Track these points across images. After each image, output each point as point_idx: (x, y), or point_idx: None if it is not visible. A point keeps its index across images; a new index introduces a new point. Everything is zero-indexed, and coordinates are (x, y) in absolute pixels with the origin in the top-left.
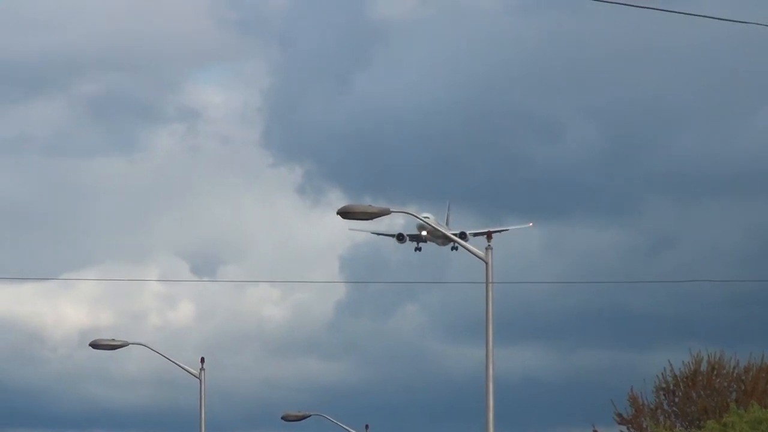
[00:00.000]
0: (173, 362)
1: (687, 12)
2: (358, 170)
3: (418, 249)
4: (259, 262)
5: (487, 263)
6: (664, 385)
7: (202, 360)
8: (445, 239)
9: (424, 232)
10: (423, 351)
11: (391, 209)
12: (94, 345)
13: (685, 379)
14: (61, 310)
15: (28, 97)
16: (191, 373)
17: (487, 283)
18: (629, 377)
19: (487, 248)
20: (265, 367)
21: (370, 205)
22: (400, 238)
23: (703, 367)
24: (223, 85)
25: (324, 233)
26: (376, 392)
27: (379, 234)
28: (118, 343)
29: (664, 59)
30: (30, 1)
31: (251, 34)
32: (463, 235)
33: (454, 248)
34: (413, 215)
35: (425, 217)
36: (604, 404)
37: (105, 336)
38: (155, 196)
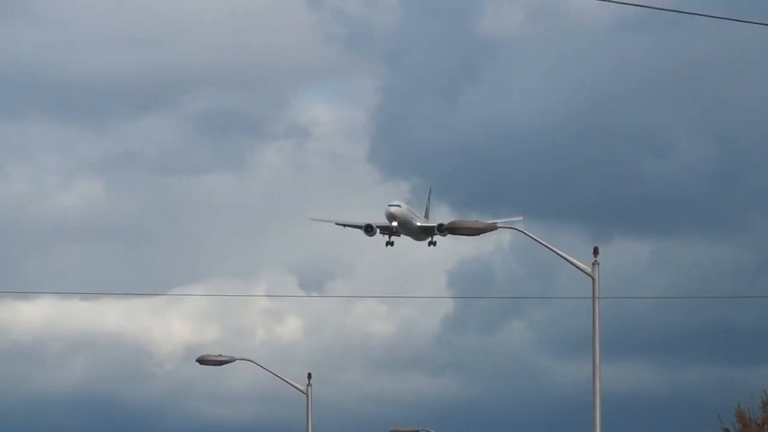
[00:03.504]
0: (280, 378)
1: None
2: (466, 186)
3: (389, 243)
4: (367, 278)
5: (593, 279)
6: None
7: (309, 376)
8: (421, 233)
9: (394, 223)
10: (529, 366)
11: (498, 225)
12: (201, 361)
13: None
14: (169, 326)
15: (138, 114)
16: (298, 389)
17: (593, 298)
18: (736, 393)
19: (594, 263)
20: (372, 383)
21: (476, 221)
22: (369, 230)
23: None
24: (331, 102)
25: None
26: (483, 408)
27: (345, 225)
28: (225, 358)
29: None
30: (138, 18)
31: (359, 50)
32: (441, 227)
33: (431, 243)
34: (521, 231)
35: (395, 205)
36: (710, 420)
37: (211, 351)
38: (263, 212)
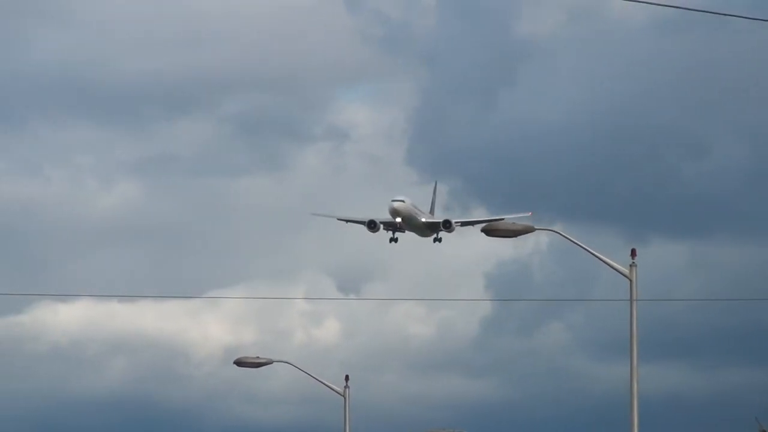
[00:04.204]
0: (317, 380)
1: None
2: (503, 187)
3: (393, 240)
4: (404, 280)
5: (631, 280)
6: None
7: (347, 378)
8: (426, 229)
9: (398, 219)
10: (566, 368)
11: (535, 227)
12: (239, 363)
13: None
14: (207, 328)
15: (175, 116)
16: (336, 391)
17: (631, 300)
18: None
19: (631, 266)
20: (409, 385)
21: (514, 223)
22: (372, 226)
23: None
24: (369, 104)
25: (469, 251)
26: (520, 409)
27: (347, 221)
28: (263, 360)
29: None
30: (177, 21)
31: (397, 53)
32: (447, 223)
33: (437, 240)
34: (559, 233)
35: (398, 200)
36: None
37: (249, 354)
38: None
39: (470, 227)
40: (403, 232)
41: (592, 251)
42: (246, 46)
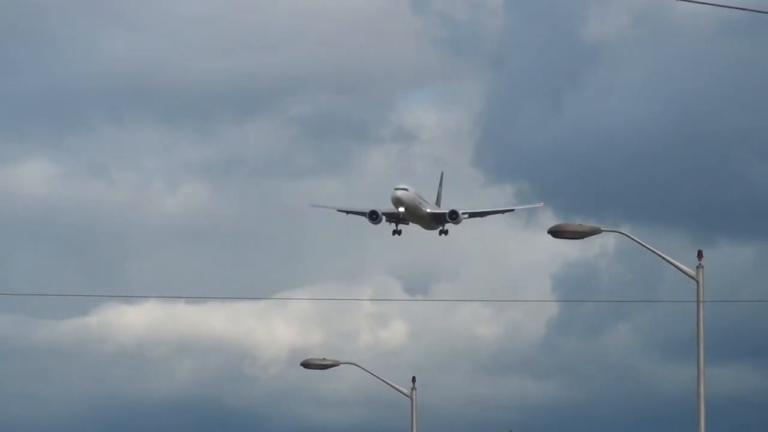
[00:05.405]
0: (384, 382)
1: None
2: (570, 190)
3: (396, 232)
4: (471, 281)
5: (698, 282)
6: None
7: (414, 379)
8: (431, 220)
9: (401, 209)
10: (633, 370)
11: (602, 228)
12: (306, 365)
13: None
14: (273, 330)
15: (242, 118)
16: (402, 393)
17: (698, 301)
18: None
19: (698, 267)
20: (476, 387)
21: (581, 224)
22: (373, 217)
23: None
24: (436, 105)
25: (536, 252)
26: (587, 411)
27: (348, 212)
28: (330, 362)
29: None
30: (243, 23)
31: (464, 55)
32: (453, 214)
33: (443, 232)
34: (626, 235)
35: (401, 188)
36: None
37: (315, 355)
38: None
39: (478, 218)
40: (407, 223)
41: (658, 253)
42: (313, 49)
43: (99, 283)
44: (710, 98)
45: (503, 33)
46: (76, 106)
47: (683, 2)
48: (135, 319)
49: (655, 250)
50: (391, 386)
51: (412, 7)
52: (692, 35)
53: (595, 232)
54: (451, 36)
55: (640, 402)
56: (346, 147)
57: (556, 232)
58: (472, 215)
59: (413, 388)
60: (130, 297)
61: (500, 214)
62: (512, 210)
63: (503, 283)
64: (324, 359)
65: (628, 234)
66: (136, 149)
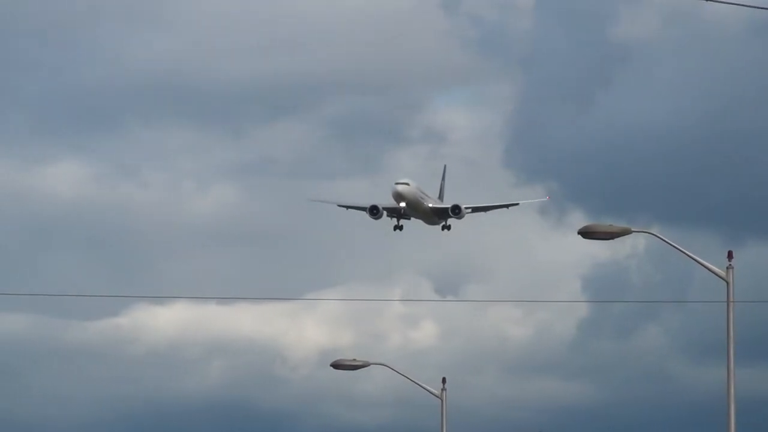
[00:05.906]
0: (414, 382)
1: None
2: (600, 191)
3: (398, 227)
4: (502, 282)
5: (728, 282)
6: None
7: (444, 380)
8: (433, 215)
9: (402, 204)
10: (663, 371)
11: (632, 229)
12: (336, 365)
13: None
14: (304, 330)
15: (273, 119)
16: (433, 394)
17: (728, 302)
18: None
19: (728, 268)
20: (506, 387)
21: (611, 225)
22: (374, 212)
23: None
24: (466, 106)
25: (566, 253)
26: (616, 413)
27: (348, 207)
28: (360, 363)
29: None
30: (276, 23)
31: (494, 55)
32: (456, 209)
33: (445, 227)
34: (656, 235)
35: (403, 183)
36: None
37: (345, 356)
38: None
39: (482, 213)
40: (408, 218)
41: (688, 253)
42: (343, 49)
43: (130, 284)
44: (740, 98)
45: (533, 34)
46: (107, 107)
47: (712, 3)
48: (166, 320)
49: (685, 251)
50: (422, 387)
51: (442, 8)
52: (721, 37)
53: (625, 232)
54: (481, 37)
55: (670, 403)
56: (376, 148)
57: (586, 233)
58: (475, 209)
59: (443, 389)
60: (160, 298)
61: (504, 209)
62: (517, 204)
63: (533, 283)
64: (354, 360)
65: (658, 234)
66: (167, 150)
